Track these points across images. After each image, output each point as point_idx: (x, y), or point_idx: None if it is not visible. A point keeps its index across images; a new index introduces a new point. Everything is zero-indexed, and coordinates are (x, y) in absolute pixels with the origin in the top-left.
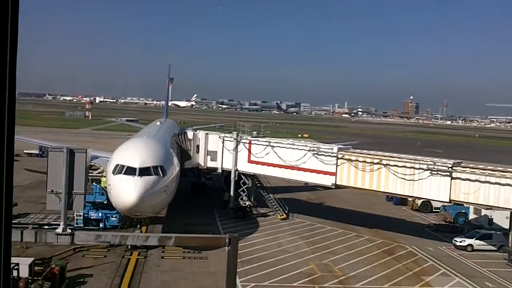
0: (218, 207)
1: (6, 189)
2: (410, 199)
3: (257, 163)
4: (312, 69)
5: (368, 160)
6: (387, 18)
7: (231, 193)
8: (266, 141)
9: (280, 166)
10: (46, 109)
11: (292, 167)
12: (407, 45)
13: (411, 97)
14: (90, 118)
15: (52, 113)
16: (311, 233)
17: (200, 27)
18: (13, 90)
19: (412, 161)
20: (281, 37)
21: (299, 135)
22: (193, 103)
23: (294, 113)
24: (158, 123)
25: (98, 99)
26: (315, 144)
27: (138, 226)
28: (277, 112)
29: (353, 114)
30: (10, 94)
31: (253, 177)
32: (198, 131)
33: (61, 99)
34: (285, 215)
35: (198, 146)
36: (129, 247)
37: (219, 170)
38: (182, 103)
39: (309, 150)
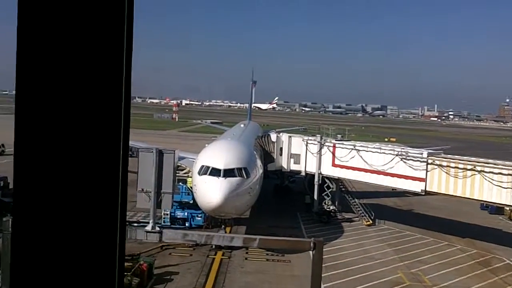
0: (301, 210)
1: (122, 189)
2: (508, 208)
3: (341, 167)
4: (399, 70)
5: (461, 166)
6: (482, 15)
7: (315, 197)
8: (351, 145)
9: (366, 171)
10: (136, 111)
11: (378, 172)
12: (502, 44)
13: (507, 100)
14: (176, 120)
15: (141, 115)
16: (399, 240)
17: (282, 29)
18: (128, 93)
19: (509, 167)
20: (365, 38)
21: (386, 139)
22: (275, 105)
23: (380, 116)
24: (242, 125)
25: (184, 102)
26: (403, 149)
27: (223, 226)
28: (362, 115)
29: (443, 118)
30: (126, 98)
31: (337, 181)
32: (281, 134)
33: (149, 101)
34: (371, 221)
35: (281, 149)
36: (213, 246)
37: (303, 173)
38: (264, 106)
39: (397, 155)
